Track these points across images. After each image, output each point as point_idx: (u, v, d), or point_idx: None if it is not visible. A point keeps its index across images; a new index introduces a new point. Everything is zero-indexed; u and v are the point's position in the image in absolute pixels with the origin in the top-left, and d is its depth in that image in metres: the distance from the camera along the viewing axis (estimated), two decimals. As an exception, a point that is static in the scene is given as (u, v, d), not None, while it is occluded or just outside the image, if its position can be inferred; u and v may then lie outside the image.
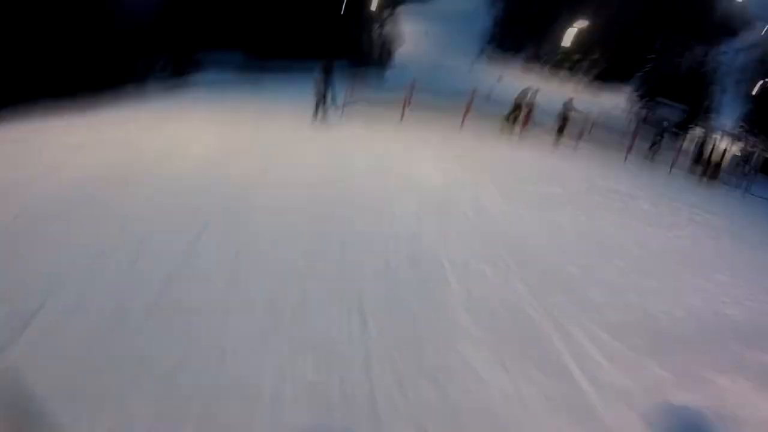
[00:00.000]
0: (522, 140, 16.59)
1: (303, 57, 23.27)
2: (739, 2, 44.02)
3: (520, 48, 49.59)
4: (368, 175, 8.48)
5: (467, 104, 17.19)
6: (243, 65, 23.19)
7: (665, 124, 23.72)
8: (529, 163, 12.81)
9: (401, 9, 43.77)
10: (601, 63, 46.70)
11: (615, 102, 40.19)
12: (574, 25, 45.37)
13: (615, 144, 18.89)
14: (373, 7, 38.06)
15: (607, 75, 46.21)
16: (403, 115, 16.37)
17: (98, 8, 17.26)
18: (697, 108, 38.25)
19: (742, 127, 35.81)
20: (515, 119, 17.60)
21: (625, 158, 17.43)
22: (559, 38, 47.63)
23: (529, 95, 17.89)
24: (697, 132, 34.17)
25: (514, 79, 38.89)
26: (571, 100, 18.34)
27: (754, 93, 38.63)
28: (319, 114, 13.54)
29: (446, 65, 39.75)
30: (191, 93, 17.28)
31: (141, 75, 18.55)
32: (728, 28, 45.19)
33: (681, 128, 33.81)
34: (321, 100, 13.47)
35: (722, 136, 32.39)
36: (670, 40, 42.26)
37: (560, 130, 17.83)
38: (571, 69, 48.56)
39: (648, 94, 39.78)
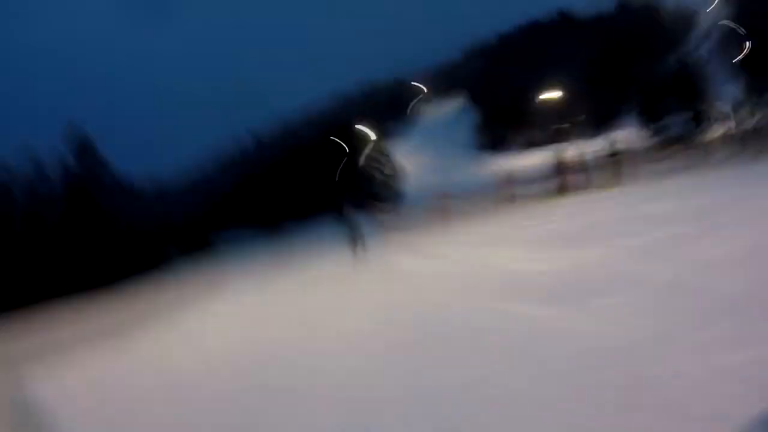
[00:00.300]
0: (587, 197, 14.10)
1: (317, 215, 23.48)
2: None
3: (508, 135, 49.67)
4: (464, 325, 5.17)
5: (506, 193, 15.28)
6: (263, 237, 22.38)
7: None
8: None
9: (389, 140, 44.66)
10: (588, 114, 46.09)
11: (625, 137, 38.42)
12: (547, 95, 45.61)
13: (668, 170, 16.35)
14: (366, 152, 38.65)
15: (600, 120, 45.29)
16: (446, 227, 14.35)
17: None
18: (701, 105, 36.75)
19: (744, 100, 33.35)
20: (565, 183, 15.51)
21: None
22: (540, 113, 47.86)
23: (566, 156, 16.25)
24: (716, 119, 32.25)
25: (515, 162, 38.39)
26: (612, 142, 16.76)
27: (737, 61, 37.32)
28: (358, 255, 12.10)
29: (450, 167, 39.44)
30: (218, 274, 15.79)
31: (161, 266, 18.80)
32: (685, 26, 45.38)
33: (698, 128, 32.39)
34: (354, 244, 12.31)
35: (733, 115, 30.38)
36: (644, 60, 41.92)
37: (614, 173, 15.65)
38: (565, 133, 47.63)
39: (651, 116, 38.13)
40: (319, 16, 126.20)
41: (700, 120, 34.84)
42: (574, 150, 18.09)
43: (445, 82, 53.81)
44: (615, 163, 16.21)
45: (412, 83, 55.62)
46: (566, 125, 45.23)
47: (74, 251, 17.53)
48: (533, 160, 34.06)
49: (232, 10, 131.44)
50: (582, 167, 15.92)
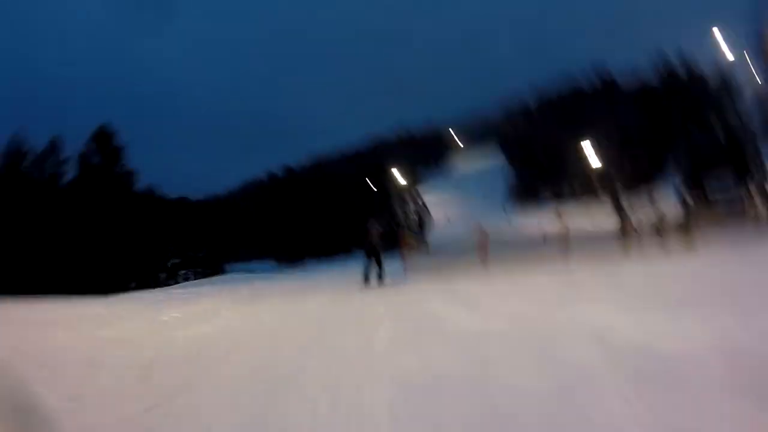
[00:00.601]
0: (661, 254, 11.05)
1: (333, 254, 22.58)
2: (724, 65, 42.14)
3: (543, 190, 46.66)
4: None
5: (563, 241, 12.05)
6: (276, 269, 19.83)
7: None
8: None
9: (422, 186, 42.27)
10: (627, 169, 42.60)
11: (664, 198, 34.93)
12: (585, 150, 42.78)
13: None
14: (397, 194, 36.34)
15: (639, 178, 41.62)
16: (484, 264, 11.26)
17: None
18: (745, 168, 33.20)
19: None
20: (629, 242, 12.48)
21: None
22: (576, 169, 44.84)
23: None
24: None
25: (552, 218, 35.19)
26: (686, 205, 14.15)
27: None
28: (371, 280, 10.01)
29: (482, 219, 36.34)
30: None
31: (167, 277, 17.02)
32: (728, 92, 42.29)
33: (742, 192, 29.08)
34: (371, 267, 10.18)
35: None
36: (687, 126, 38.75)
37: (686, 228, 12.71)
38: (600, 188, 44.15)
39: (693, 179, 34.53)
40: (362, 61, 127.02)
41: (746, 186, 31.88)
42: (636, 212, 14.87)
43: (481, 135, 51.71)
44: (687, 226, 13.32)
45: (449, 133, 53.67)
46: (603, 186, 41.99)
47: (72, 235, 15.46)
48: (574, 218, 30.98)
49: (276, 53, 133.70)
50: (657, 227, 12.88)
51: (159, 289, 15.18)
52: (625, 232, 12.52)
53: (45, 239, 15.13)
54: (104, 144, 20.12)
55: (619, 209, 13.29)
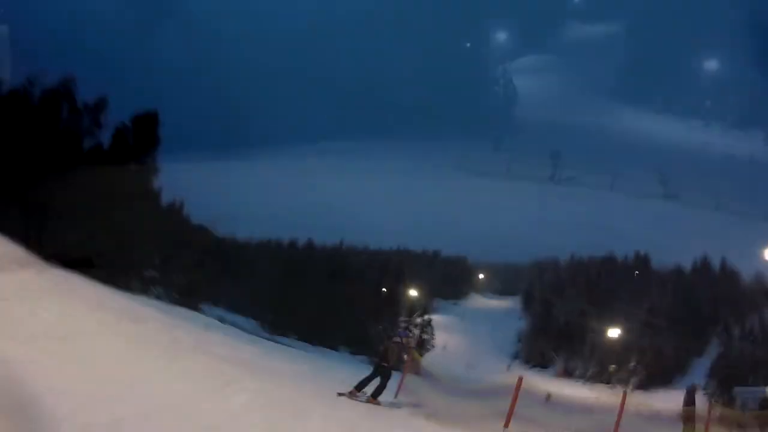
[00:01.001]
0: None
1: (320, 342, 20.90)
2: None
3: (549, 362, 42.84)
4: None
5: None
6: (255, 331, 17.04)
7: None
8: None
9: (433, 308, 39.44)
10: (642, 369, 38.51)
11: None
12: (607, 334, 39.74)
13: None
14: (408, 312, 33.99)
15: (652, 379, 37.12)
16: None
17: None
18: None
19: None
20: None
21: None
22: (590, 350, 41.43)
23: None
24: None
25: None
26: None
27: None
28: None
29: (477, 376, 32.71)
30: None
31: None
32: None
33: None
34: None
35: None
36: (720, 324, 35.22)
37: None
38: (609, 379, 39.91)
39: (721, 388, 30.07)
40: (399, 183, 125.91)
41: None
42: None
43: (506, 281, 49.38)
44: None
45: (475, 269, 51.49)
46: (622, 367, 38.09)
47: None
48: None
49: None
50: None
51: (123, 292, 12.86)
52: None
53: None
54: (143, 130, 18.90)
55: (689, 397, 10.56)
